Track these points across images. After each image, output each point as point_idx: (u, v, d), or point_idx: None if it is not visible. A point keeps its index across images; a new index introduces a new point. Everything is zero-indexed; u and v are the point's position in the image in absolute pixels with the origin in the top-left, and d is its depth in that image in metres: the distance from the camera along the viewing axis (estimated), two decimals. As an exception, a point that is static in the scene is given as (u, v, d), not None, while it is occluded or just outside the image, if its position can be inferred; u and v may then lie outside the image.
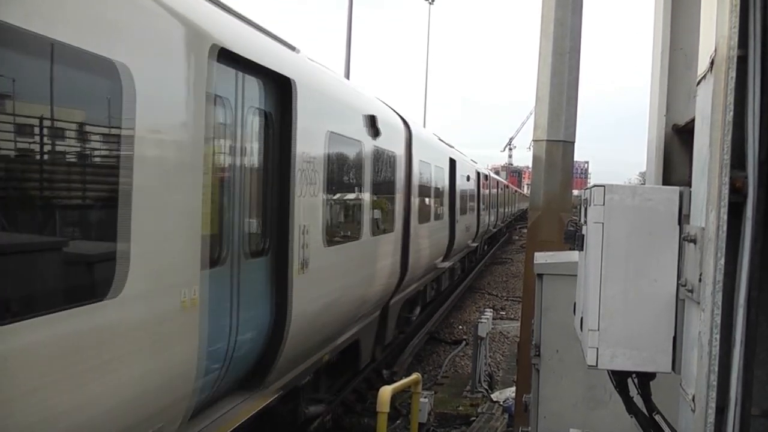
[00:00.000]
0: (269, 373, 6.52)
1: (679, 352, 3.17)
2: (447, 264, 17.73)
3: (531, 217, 10.19)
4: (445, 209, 17.31)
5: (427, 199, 14.55)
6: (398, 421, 10.73)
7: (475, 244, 25.90)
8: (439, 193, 16.17)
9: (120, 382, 4.10)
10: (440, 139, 18.86)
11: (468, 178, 22.33)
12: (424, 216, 13.93)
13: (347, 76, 23.02)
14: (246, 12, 6.37)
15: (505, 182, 55.79)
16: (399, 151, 11.45)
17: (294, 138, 6.52)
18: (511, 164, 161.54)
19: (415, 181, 12.76)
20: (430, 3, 45.70)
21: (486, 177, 30.82)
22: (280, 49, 7.00)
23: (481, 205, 27.43)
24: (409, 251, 12.04)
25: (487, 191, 30.99)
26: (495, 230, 38.32)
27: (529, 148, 13.31)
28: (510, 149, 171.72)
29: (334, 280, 8.04)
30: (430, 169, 14.94)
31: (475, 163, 28.73)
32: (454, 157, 19.23)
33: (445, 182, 17.35)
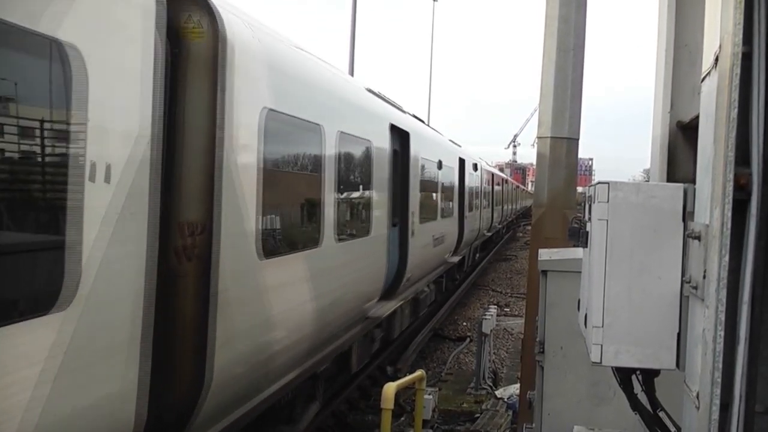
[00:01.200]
0: None
1: (683, 349, 3.17)
2: (391, 305, 10.87)
3: (535, 214, 10.18)
4: (384, 215, 10.19)
5: (321, 201, 7.36)
6: (402, 418, 10.74)
7: (455, 259, 18.56)
8: (361, 185, 9.24)
9: None
10: (378, 94, 10.80)
11: (440, 166, 15.31)
12: (302, 236, 7.05)
13: (351, 73, 22.67)
14: None
15: (504, 176, 46.89)
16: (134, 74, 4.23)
17: None
18: (516, 161, 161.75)
19: (268, 158, 5.92)
20: (434, 0, 45.60)
21: (475, 167, 22.95)
22: None
23: (470, 204, 20.73)
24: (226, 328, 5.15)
25: (479, 186, 23.89)
26: (490, 234, 30.39)
27: (534, 145, 13.17)
28: (514, 146, 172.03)
29: None
30: (331, 139, 7.56)
31: (459, 146, 20.99)
32: (405, 128, 11.45)
33: (385, 170, 10.13)
